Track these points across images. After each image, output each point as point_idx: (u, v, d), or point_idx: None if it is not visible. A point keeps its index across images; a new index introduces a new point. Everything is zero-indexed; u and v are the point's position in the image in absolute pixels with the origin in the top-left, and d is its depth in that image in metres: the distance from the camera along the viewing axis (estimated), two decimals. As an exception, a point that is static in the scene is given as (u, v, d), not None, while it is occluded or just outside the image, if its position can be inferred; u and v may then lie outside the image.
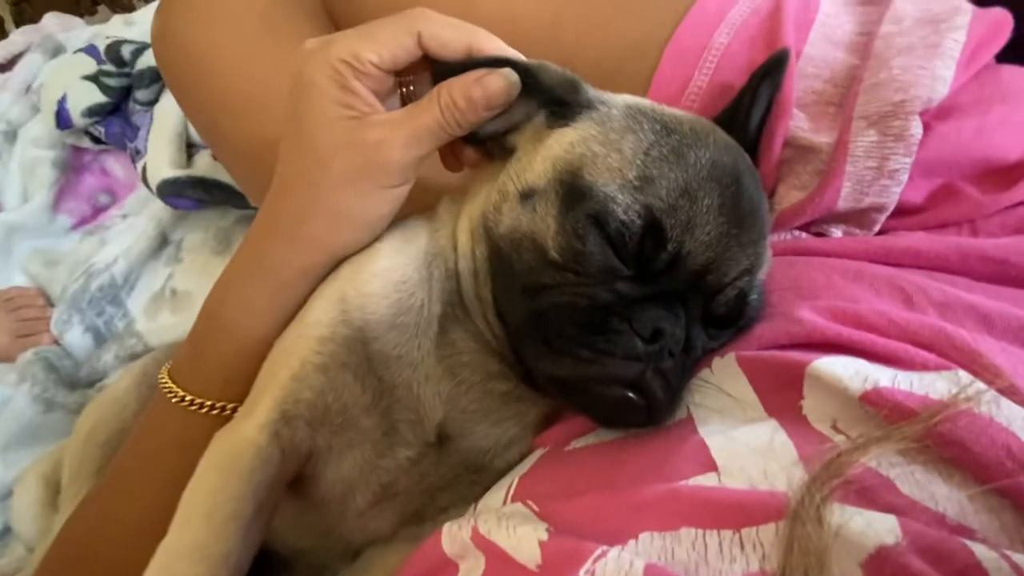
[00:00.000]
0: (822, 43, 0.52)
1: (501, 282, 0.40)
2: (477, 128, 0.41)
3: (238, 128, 0.67)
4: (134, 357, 0.80)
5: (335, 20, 0.68)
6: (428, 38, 0.40)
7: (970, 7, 0.50)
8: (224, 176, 0.87)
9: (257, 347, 0.44)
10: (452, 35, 0.40)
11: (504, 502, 0.36)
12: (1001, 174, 0.46)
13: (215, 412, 0.45)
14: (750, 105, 0.48)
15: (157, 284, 0.89)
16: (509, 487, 0.37)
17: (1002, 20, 0.49)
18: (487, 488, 0.41)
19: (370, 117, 0.40)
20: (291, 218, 0.43)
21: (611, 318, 0.35)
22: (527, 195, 0.39)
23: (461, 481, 0.44)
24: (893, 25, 0.50)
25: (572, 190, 0.37)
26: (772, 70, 0.48)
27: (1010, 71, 0.50)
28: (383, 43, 0.40)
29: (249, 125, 0.65)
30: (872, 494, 0.28)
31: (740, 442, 0.32)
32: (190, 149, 0.95)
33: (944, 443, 0.29)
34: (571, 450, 0.39)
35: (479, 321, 0.42)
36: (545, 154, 0.40)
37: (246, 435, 0.40)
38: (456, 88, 0.39)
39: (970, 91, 0.48)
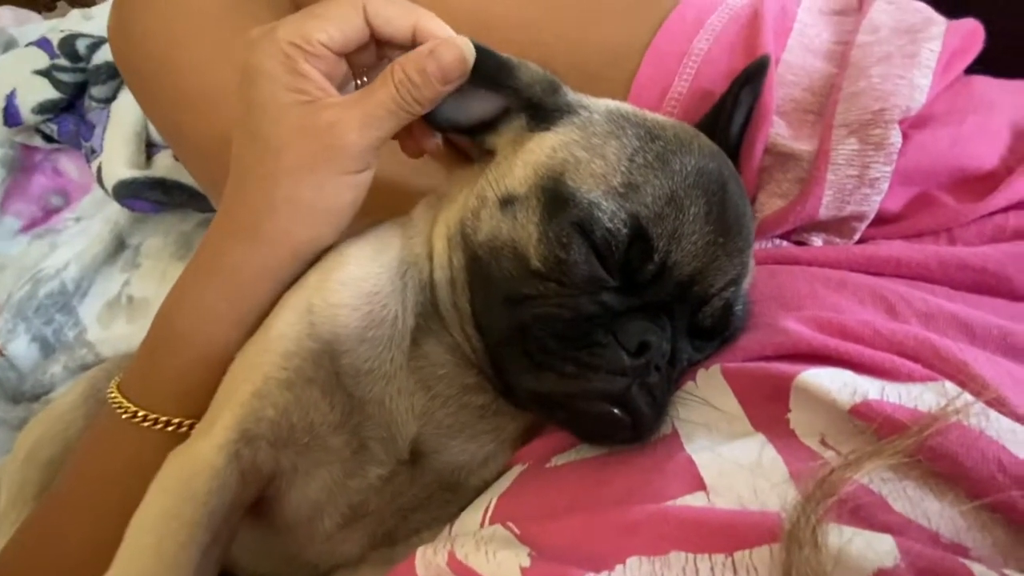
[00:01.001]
0: (800, 51, 0.52)
1: (480, 292, 0.38)
2: (442, 113, 0.40)
3: (200, 126, 0.63)
4: (85, 368, 0.76)
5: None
6: (373, 15, 0.39)
7: (942, 18, 0.51)
8: (185, 177, 0.83)
9: (218, 357, 0.41)
10: (396, 12, 0.39)
11: (482, 524, 0.34)
12: (976, 183, 0.46)
13: (170, 428, 0.42)
14: (731, 111, 0.48)
15: (112, 291, 0.84)
16: (487, 507, 0.35)
17: (974, 31, 0.49)
18: (462, 507, 0.38)
19: (323, 100, 0.39)
20: (249, 214, 0.40)
21: (596, 330, 0.34)
22: (507, 201, 0.38)
23: (434, 500, 0.41)
24: (869, 35, 0.50)
25: (554, 197, 0.36)
26: (753, 76, 0.48)
27: (981, 82, 0.51)
28: (331, 21, 0.38)
29: (212, 122, 0.62)
30: (866, 512, 0.27)
31: (728, 459, 0.31)
32: (150, 149, 0.90)
33: (935, 457, 0.28)
34: (553, 467, 0.37)
35: (456, 332, 0.40)
36: (526, 159, 0.39)
37: (202, 456, 0.37)
38: (409, 63, 0.38)
39: (944, 101, 0.48)
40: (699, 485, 0.30)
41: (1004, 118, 0.48)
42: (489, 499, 0.36)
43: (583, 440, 0.37)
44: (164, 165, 0.87)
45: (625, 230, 0.34)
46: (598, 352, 0.33)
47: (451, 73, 0.38)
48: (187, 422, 0.42)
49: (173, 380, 0.42)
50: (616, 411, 0.33)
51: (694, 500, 0.29)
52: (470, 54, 0.38)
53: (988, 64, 0.51)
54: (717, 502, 0.29)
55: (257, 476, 0.39)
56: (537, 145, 0.39)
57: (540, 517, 0.32)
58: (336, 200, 0.40)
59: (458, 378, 0.40)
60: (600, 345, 0.33)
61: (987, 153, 0.46)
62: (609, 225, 0.34)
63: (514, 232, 0.36)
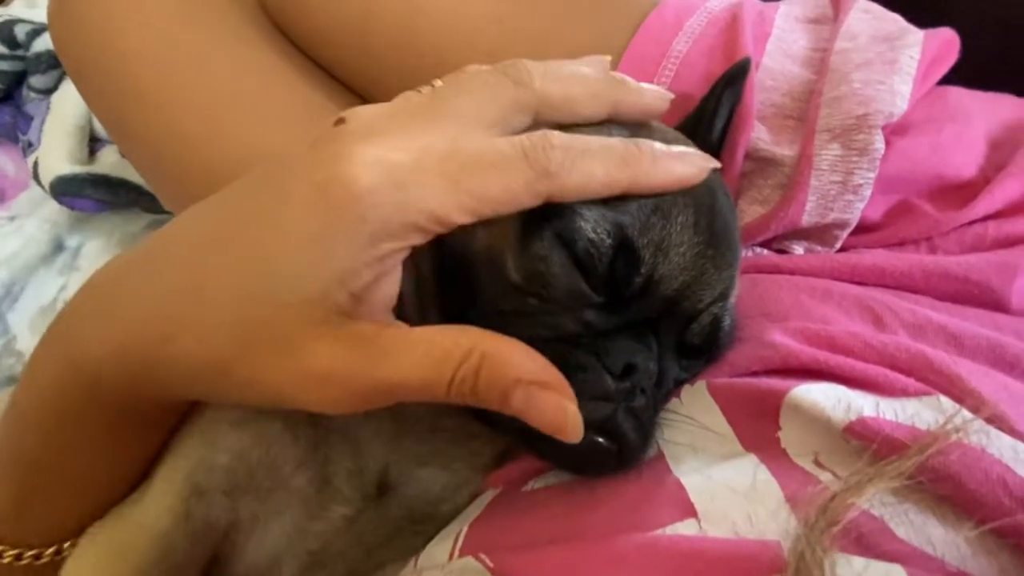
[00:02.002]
0: (780, 56, 0.51)
1: (451, 305, 0.35)
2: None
3: (148, 119, 0.59)
4: (13, 381, 0.69)
5: (269, 14, 0.62)
6: (571, 191, 0.28)
7: (916, 28, 0.51)
8: (133, 174, 0.78)
9: (126, 481, 0.33)
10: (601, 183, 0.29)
11: (451, 555, 0.31)
12: (955, 192, 0.46)
13: (42, 560, 0.33)
14: (713, 114, 0.46)
15: (47, 296, 0.78)
16: (457, 536, 0.32)
17: (951, 40, 0.49)
18: (431, 538, 0.35)
19: (355, 327, 0.26)
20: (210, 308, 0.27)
21: (578, 353, 0.31)
22: None
23: (402, 533, 0.38)
24: (847, 42, 0.50)
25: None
26: (734, 79, 0.46)
27: (956, 92, 0.51)
28: (487, 202, 0.27)
29: (160, 116, 0.58)
30: (869, 540, 0.25)
31: (719, 482, 0.29)
32: (94, 144, 0.84)
33: (937, 479, 0.26)
34: (529, 491, 0.34)
35: None
36: None
37: (142, 521, 0.32)
38: (492, 371, 0.26)
39: (922, 109, 0.48)
40: (690, 511, 0.27)
41: (979, 128, 0.48)
42: (459, 528, 0.33)
43: (565, 470, 0.34)
44: (109, 161, 0.81)
45: (609, 240, 0.31)
46: (580, 376, 0.30)
47: (526, 414, 0.26)
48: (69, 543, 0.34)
49: (58, 513, 0.33)
50: (601, 440, 0.30)
51: (685, 528, 0.27)
52: (575, 420, 0.27)
53: (960, 75, 0.51)
54: (710, 530, 0.26)
55: (210, 536, 0.33)
56: None
57: (516, 548, 0.29)
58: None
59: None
60: (583, 368, 0.30)
61: (965, 162, 0.46)
62: (592, 236, 0.31)
63: (490, 241, 0.33)
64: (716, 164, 0.32)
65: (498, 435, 0.38)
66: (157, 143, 0.60)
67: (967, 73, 0.51)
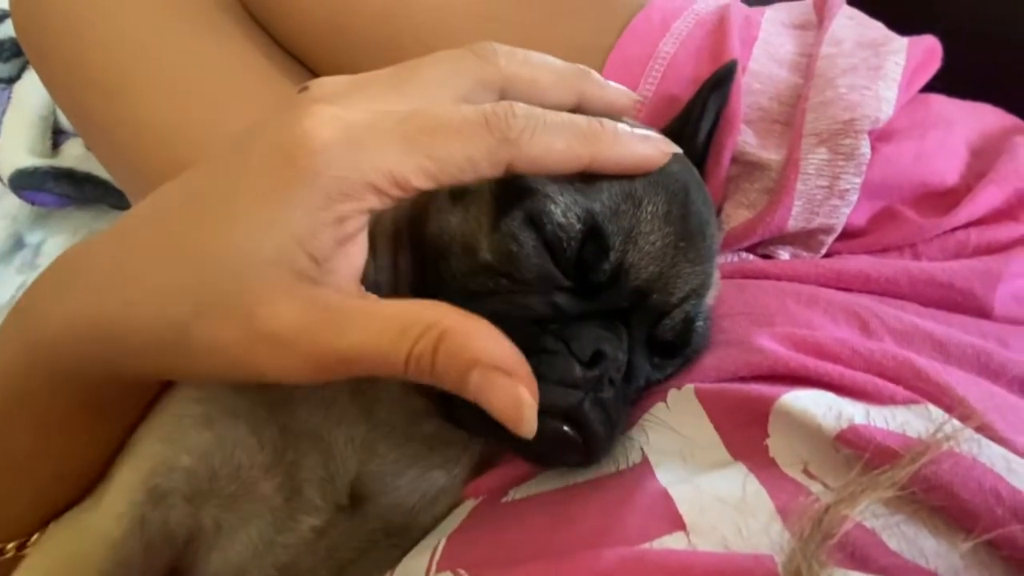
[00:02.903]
0: (766, 60, 0.51)
1: (425, 293, 0.33)
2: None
3: (114, 111, 0.56)
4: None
5: (247, 6, 0.60)
6: (527, 161, 0.27)
7: (898, 36, 0.51)
8: (99, 169, 0.75)
9: (84, 475, 0.32)
10: (563, 156, 0.28)
11: (428, 570, 0.29)
12: (938, 199, 0.46)
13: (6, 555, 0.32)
14: (699, 117, 0.46)
15: (5, 296, 0.74)
16: (434, 550, 0.31)
17: (934, 47, 0.50)
18: (407, 551, 0.33)
19: (318, 292, 0.25)
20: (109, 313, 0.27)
21: (546, 336, 0.30)
22: (458, 196, 0.34)
23: (378, 547, 0.36)
24: (833, 47, 0.50)
25: (508, 188, 0.33)
26: (721, 81, 0.46)
27: (938, 99, 0.51)
28: (446, 166, 0.26)
29: (127, 108, 0.56)
30: (863, 554, 0.24)
31: (708, 492, 0.28)
32: (58, 137, 0.81)
33: (930, 488, 0.26)
34: (509, 502, 0.33)
35: None
36: None
37: (95, 528, 0.30)
38: (451, 348, 0.24)
39: (906, 116, 0.48)
40: (678, 524, 0.26)
41: (961, 135, 0.48)
42: (436, 541, 0.31)
43: (529, 461, 0.33)
44: (73, 155, 0.78)
45: (579, 225, 0.31)
46: (548, 361, 0.29)
47: (479, 398, 0.25)
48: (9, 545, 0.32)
49: (23, 509, 0.32)
50: (567, 429, 0.29)
51: (673, 542, 0.26)
52: (529, 409, 0.25)
53: (944, 82, 0.51)
54: (699, 544, 0.25)
55: (170, 543, 0.32)
56: None
57: (497, 563, 0.28)
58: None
59: (404, 403, 0.35)
60: (550, 353, 0.29)
61: (948, 169, 0.46)
62: (561, 220, 0.31)
63: (465, 225, 0.33)
64: (677, 149, 0.33)
65: (474, 441, 0.37)
66: (124, 136, 0.58)
67: (950, 81, 0.51)
